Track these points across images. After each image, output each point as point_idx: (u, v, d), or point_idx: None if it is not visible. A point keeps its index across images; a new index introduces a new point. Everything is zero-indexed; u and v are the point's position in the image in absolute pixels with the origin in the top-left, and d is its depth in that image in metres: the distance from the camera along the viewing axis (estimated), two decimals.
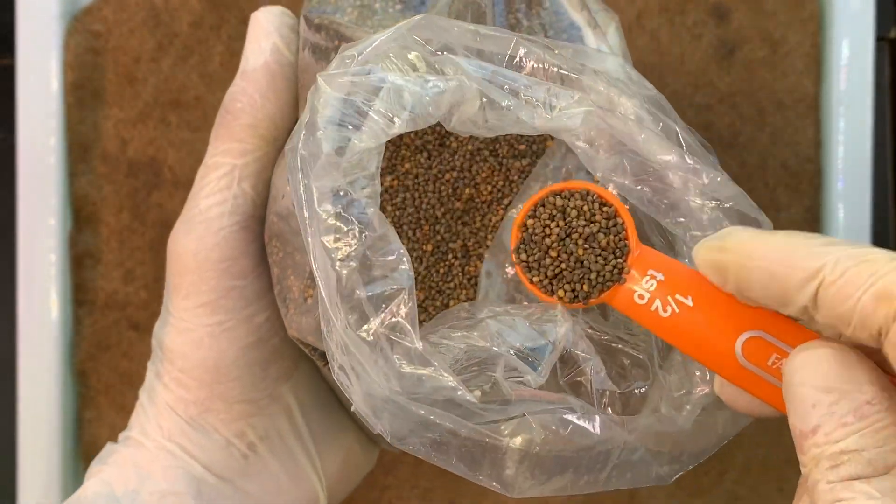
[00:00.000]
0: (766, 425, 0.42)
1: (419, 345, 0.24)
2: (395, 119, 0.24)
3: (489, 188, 0.31)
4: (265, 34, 0.32)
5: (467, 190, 0.30)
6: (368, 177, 0.24)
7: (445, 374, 0.24)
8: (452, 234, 0.31)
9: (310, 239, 0.24)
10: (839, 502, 0.21)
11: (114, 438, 0.42)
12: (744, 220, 0.27)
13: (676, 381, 0.27)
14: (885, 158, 0.45)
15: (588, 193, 0.25)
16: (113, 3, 0.41)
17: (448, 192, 0.31)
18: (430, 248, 0.31)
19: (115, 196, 0.41)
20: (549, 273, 0.25)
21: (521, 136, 0.30)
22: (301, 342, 0.30)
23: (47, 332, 0.40)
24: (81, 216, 0.41)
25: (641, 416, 0.27)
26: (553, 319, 0.26)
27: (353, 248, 0.24)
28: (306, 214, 0.24)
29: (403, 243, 0.30)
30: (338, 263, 0.24)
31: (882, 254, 0.20)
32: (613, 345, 0.28)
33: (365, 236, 0.24)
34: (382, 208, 0.30)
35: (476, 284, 0.31)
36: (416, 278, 0.30)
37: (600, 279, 0.25)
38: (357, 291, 0.24)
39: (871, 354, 0.22)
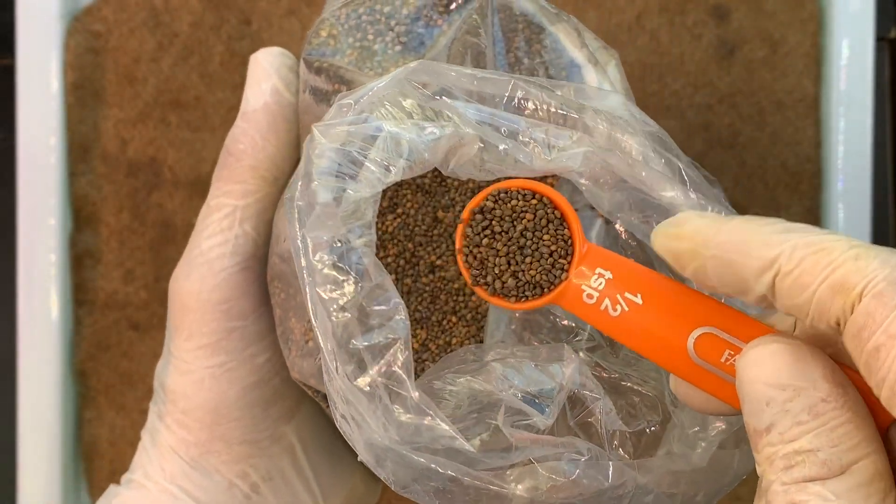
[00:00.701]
0: None
1: (415, 395, 0.24)
2: (391, 167, 0.25)
3: None
4: (265, 75, 0.32)
5: None
6: (365, 225, 0.25)
7: (442, 424, 0.24)
8: (455, 270, 0.31)
9: (307, 289, 0.24)
10: None
11: (113, 438, 0.42)
12: None
13: (689, 417, 0.27)
14: (884, 158, 0.45)
15: (532, 194, 0.25)
16: (113, 4, 0.41)
17: (448, 230, 0.31)
18: (430, 282, 0.31)
19: (115, 196, 0.41)
20: (494, 273, 0.25)
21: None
22: (304, 384, 0.30)
23: (47, 331, 0.40)
24: (81, 216, 0.41)
25: (655, 458, 0.27)
26: (560, 359, 0.26)
27: (349, 299, 0.24)
28: (303, 264, 0.24)
29: (405, 280, 0.30)
30: (334, 314, 0.24)
31: (840, 241, 0.20)
32: (623, 383, 0.28)
33: (361, 286, 0.24)
34: (383, 246, 0.30)
35: (481, 320, 0.31)
36: (418, 315, 0.31)
37: (546, 279, 0.25)
38: (353, 341, 0.24)
39: (830, 345, 0.22)
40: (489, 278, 0.25)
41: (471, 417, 0.25)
